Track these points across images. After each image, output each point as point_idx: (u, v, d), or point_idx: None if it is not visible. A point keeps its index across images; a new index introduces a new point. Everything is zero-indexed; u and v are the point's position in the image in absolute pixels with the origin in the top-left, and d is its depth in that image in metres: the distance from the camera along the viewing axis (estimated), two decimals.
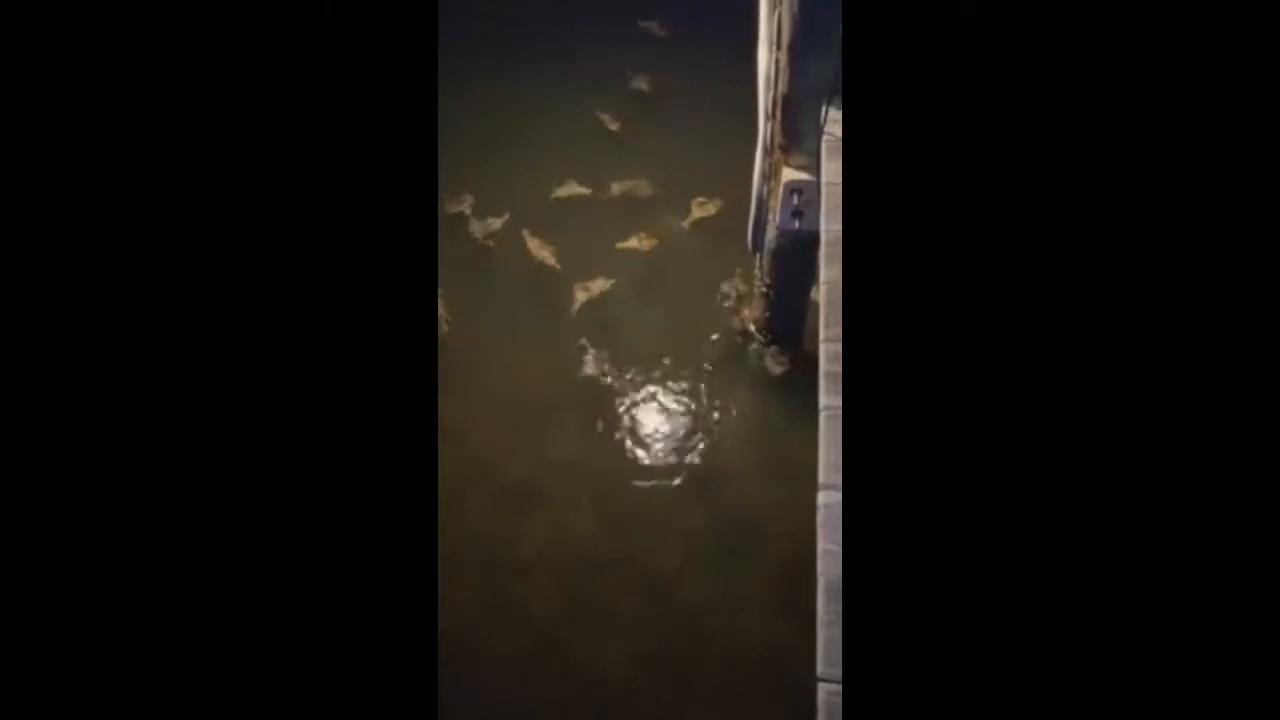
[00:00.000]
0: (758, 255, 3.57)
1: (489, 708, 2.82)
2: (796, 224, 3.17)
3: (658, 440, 3.38)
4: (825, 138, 2.95)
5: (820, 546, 1.97)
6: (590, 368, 3.55)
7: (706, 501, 3.16)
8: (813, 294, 3.23)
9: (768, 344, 3.58)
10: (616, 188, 4.13)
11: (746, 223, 3.59)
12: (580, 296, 3.75)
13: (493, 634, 2.95)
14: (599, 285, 3.79)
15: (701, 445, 3.35)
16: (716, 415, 3.43)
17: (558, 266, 3.86)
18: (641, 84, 4.49)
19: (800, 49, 2.80)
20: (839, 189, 2.89)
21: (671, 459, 3.33)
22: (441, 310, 3.67)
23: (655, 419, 3.44)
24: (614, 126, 4.37)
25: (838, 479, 2.16)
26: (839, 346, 2.54)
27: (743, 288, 3.74)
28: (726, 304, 3.73)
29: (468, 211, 4.05)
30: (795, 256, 3.34)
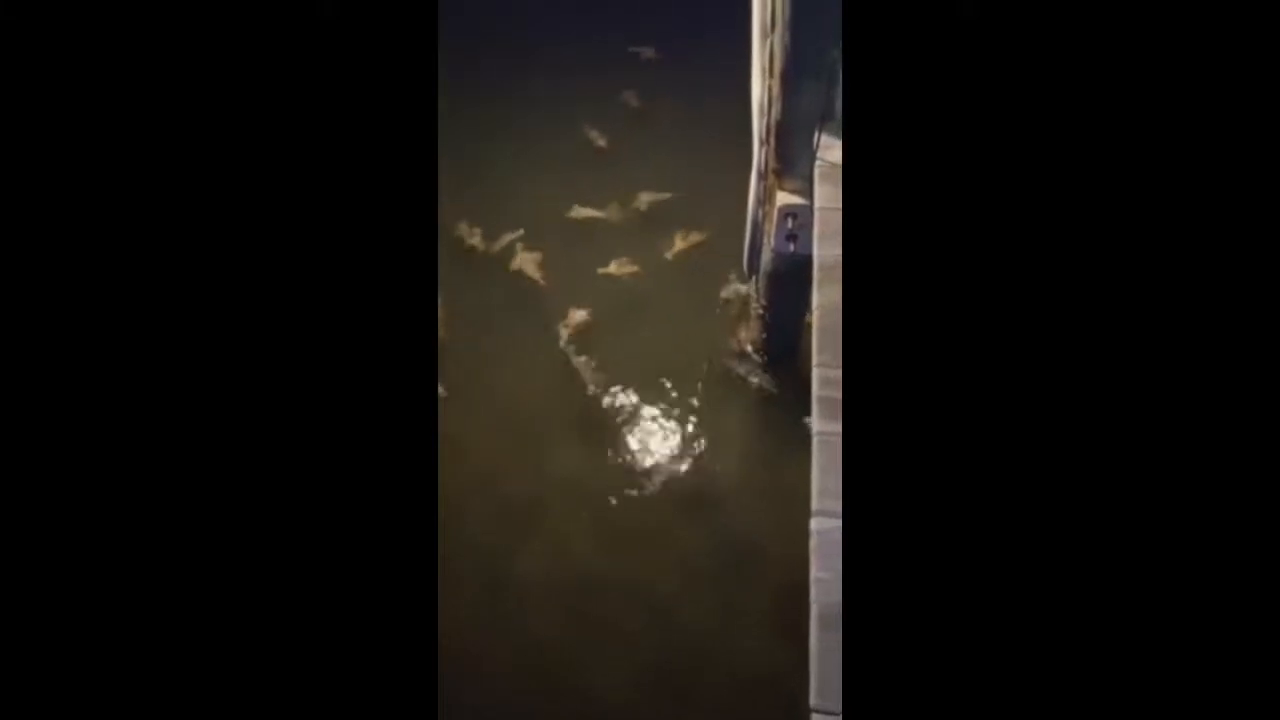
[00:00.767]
0: (754, 277, 3.60)
1: None
2: (791, 247, 3.22)
3: (654, 458, 3.40)
4: (818, 163, 2.99)
5: (813, 574, 1.97)
6: (586, 386, 3.57)
7: (702, 522, 3.17)
8: (806, 317, 3.26)
9: (764, 365, 3.61)
10: (611, 207, 4.16)
11: (742, 242, 3.63)
12: (576, 316, 3.77)
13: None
14: (594, 304, 3.81)
15: (698, 465, 3.36)
16: (712, 435, 3.44)
17: (552, 284, 3.89)
18: (633, 101, 4.54)
19: (792, 78, 2.84)
20: (832, 214, 2.93)
21: (668, 478, 3.35)
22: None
23: (651, 438, 3.46)
24: (602, 143, 4.42)
25: (831, 505, 2.18)
26: (831, 371, 2.57)
27: (739, 308, 3.77)
28: (723, 323, 3.76)
29: (466, 230, 4.09)
30: (790, 278, 3.37)
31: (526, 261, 3.96)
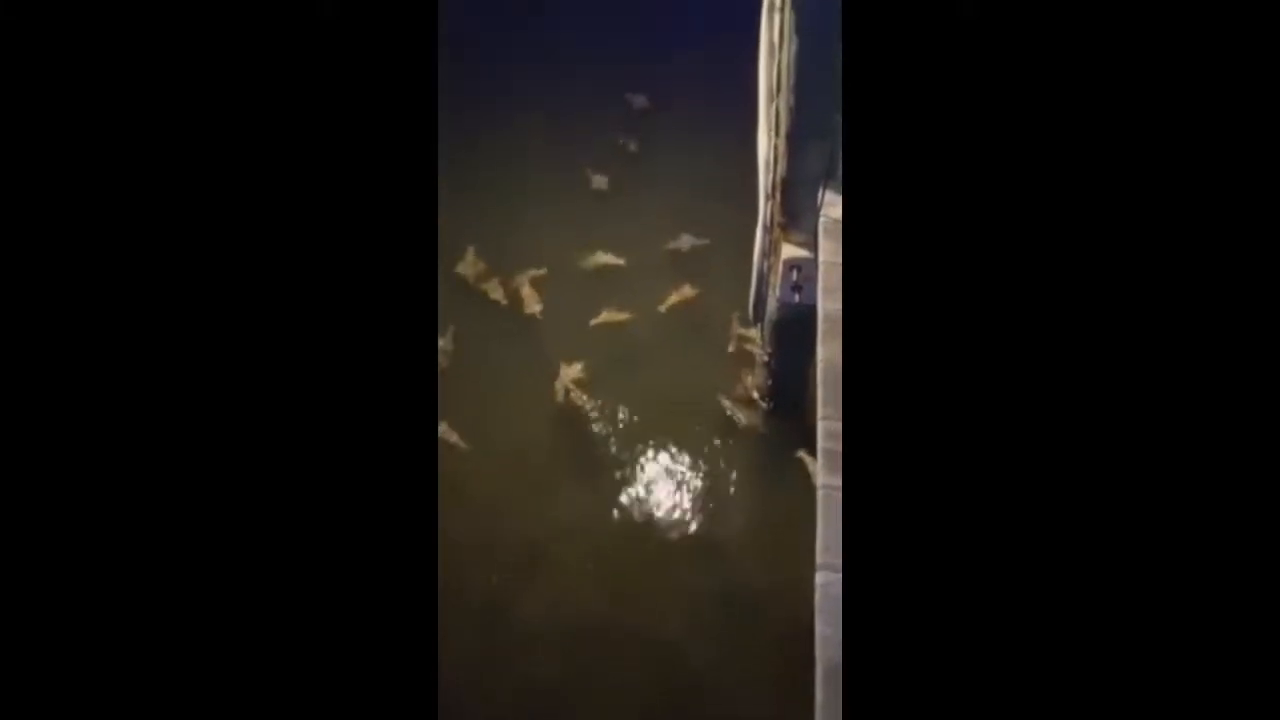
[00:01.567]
0: (759, 325, 3.67)
1: None
2: (796, 297, 3.29)
3: (657, 504, 3.41)
4: (822, 219, 3.08)
5: (818, 630, 2.00)
6: (589, 431, 3.59)
7: (705, 571, 3.17)
8: (810, 367, 3.32)
9: (770, 411, 3.66)
10: (619, 252, 4.20)
11: (747, 289, 3.71)
12: (580, 359, 3.79)
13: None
14: (598, 348, 3.84)
15: (701, 512, 3.37)
16: (716, 482, 3.46)
17: (556, 327, 3.92)
18: (632, 146, 4.62)
19: (798, 137, 2.94)
20: (835, 268, 3.01)
21: (671, 524, 3.35)
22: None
23: (654, 484, 3.48)
24: (604, 187, 4.47)
25: (836, 559, 2.20)
26: (835, 424, 2.62)
27: (744, 355, 3.82)
28: (728, 369, 3.80)
29: (468, 268, 4.12)
30: (796, 327, 3.44)
31: (529, 300, 3.99)
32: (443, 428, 3.50)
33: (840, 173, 3.00)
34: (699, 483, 3.47)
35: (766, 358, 3.64)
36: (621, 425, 3.65)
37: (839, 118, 2.85)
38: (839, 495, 2.37)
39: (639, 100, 4.76)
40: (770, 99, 3.00)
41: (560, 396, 3.68)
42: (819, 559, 2.22)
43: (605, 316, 3.93)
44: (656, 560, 3.21)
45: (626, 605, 3.09)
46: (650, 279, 4.11)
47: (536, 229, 4.31)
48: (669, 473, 3.51)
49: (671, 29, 5.16)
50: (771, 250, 3.31)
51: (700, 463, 3.53)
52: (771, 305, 3.43)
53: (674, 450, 3.57)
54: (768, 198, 3.21)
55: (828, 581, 2.17)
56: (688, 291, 3.97)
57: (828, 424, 2.63)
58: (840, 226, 2.95)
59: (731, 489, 3.46)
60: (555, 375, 3.73)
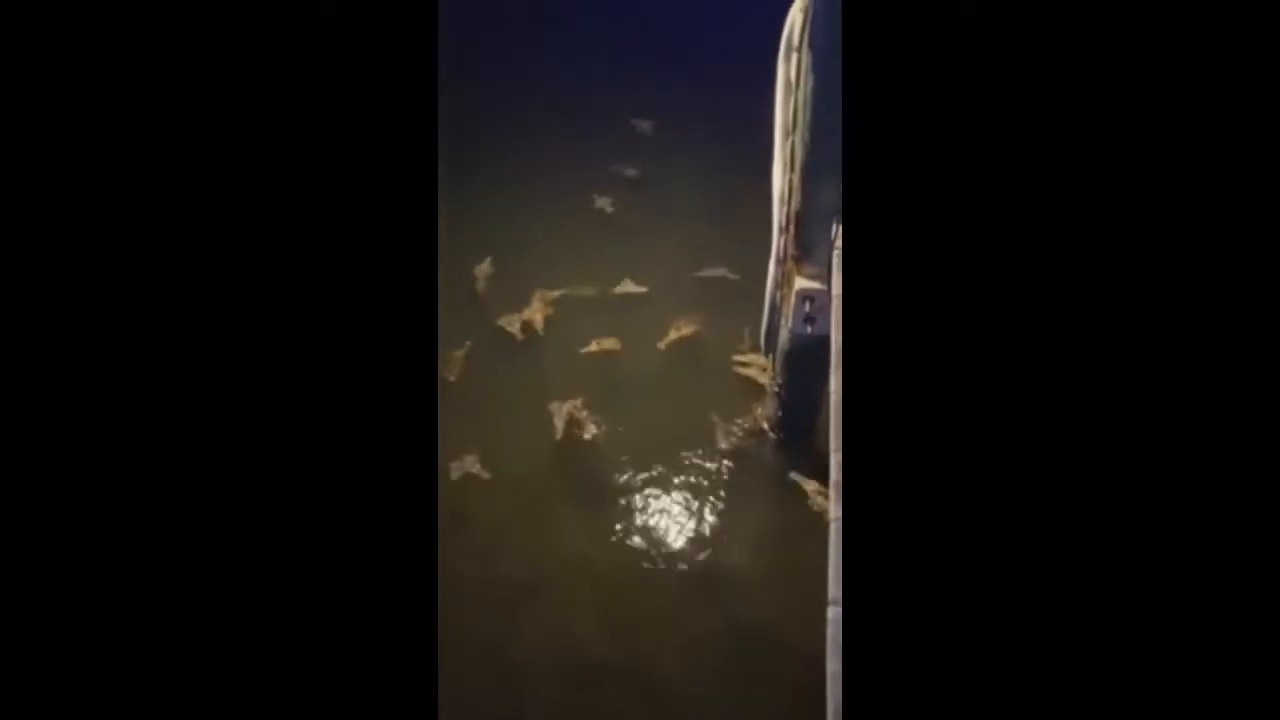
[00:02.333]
0: (770, 356, 3.69)
1: None
2: (809, 328, 3.32)
3: (663, 538, 3.38)
4: (835, 252, 3.11)
5: (829, 668, 1.97)
6: (593, 461, 3.57)
7: (713, 607, 3.12)
8: (822, 397, 3.34)
9: (780, 443, 3.67)
10: (623, 281, 4.25)
11: (759, 318, 3.74)
12: (583, 389, 3.80)
13: None
14: (602, 377, 3.85)
15: (710, 546, 3.34)
16: (725, 515, 3.44)
17: (559, 356, 3.94)
18: (632, 173, 4.68)
19: (812, 173, 2.98)
20: None
21: (677, 558, 3.31)
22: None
23: (660, 516, 3.45)
24: (610, 211, 4.55)
25: None
26: None
27: (754, 386, 3.85)
28: (738, 399, 3.81)
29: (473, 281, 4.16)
30: (808, 358, 3.46)
31: (534, 327, 4.01)
32: (469, 460, 3.49)
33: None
34: (706, 515, 3.46)
35: (778, 389, 3.66)
36: (626, 454, 3.63)
37: None
38: None
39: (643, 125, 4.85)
40: (786, 135, 3.04)
41: (566, 417, 3.68)
42: (831, 593, 2.20)
43: (596, 345, 3.95)
44: (661, 594, 3.18)
45: (629, 640, 3.05)
46: (660, 308, 4.14)
47: (536, 255, 4.35)
48: (673, 504, 3.49)
49: (682, 59, 5.26)
50: (784, 282, 3.34)
51: (707, 495, 3.52)
52: (784, 337, 3.45)
53: (678, 481, 3.56)
54: (781, 231, 3.25)
55: (839, 617, 2.15)
56: (685, 329, 3.99)
57: (839, 457, 2.63)
58: None
59: (739, 522, 3.46)
60: (557, 403, 3.72)
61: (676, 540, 3.37)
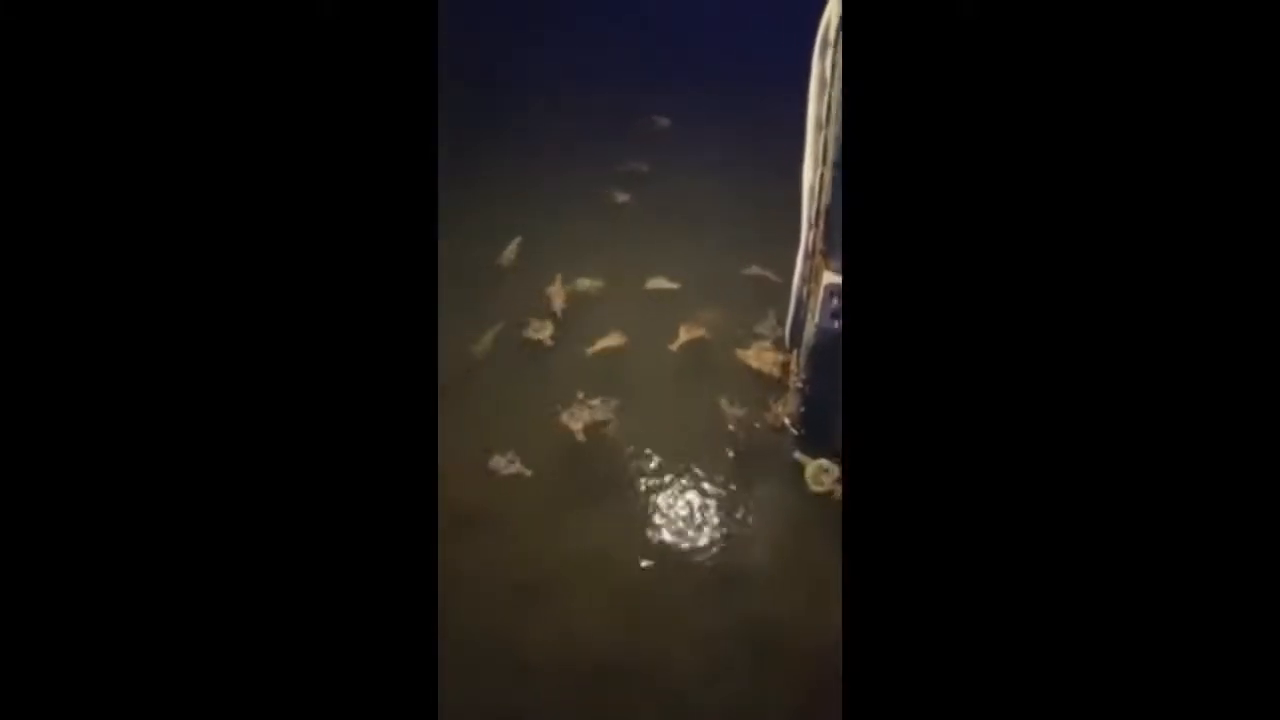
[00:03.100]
0: (795, 351, 3.68)
1: None
2: (836, 323, 3.30)
3: (678, 534, 3.36)
4: None
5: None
6: (607, 457, 3.55)
7: (728, 606, 3.09)
8: None
9: (801, 439, 3.65)
10: (633, 274, 4.25)
11: (784, 313, 3.72)
12: (599, 381, 3.79)
13: None
14: (618, 370, 3.84)
15: (726, 543, 3.32)
16: (743, 511, 3.42)
17: (570, 349, 3.93)
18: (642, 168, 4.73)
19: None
20: None
21: (692, 555, 3.29)
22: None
23: (676, 512, 3.43)
24: (624, 201, 4.59)
25: None
26: None
27: (775, 380, 3.83)
28: (757, 394, 3.79)
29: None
30: (833, 354, 3.44)
31: (542, 330, 4.00)
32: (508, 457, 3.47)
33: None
34: (725, 512, 3.44)
35: (802, 384, 3.64)
36: (641, 448, 3.61)
37: None
38: None
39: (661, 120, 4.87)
40: (819, 129, 3.02)
41: (578, 412, 3.67)
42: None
43: (600, 344, 3.94)
44: (676, 593, 3.16)
45: (641, 643, 3.01)
46: (674, 300, 4.15)
47: (547, 249, 4.35)
48: (690, 501, 3.48)
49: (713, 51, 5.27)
50: (812, 276, 3.32)
51: (725, 492, 3.51)
52: (809, 331, 3.43)
53: (695, 477, 3.54)
54: (810, 225, 3.22)
55: None
56: (697, 330, 3.97)
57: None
58: None
59: (757, 519, 3.44)
60: (569, 400, 3.72)
61: (697, 537, 3.36)
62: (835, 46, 2.86)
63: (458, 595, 2.92)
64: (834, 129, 2.89)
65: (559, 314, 4.04)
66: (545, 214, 4.54)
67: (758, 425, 3.68)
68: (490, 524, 3.28)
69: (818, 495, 3.37)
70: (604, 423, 3.63)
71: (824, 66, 2.99)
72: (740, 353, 3.88)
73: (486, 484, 3.39)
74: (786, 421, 3.71)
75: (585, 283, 4.19)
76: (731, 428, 3.65)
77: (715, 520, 3.38)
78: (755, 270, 4.24)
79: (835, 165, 2.96)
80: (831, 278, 3.25)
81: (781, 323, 3.88)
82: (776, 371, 3.82)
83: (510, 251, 4.32)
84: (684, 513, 3.41)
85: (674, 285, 4.19)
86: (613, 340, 3.93)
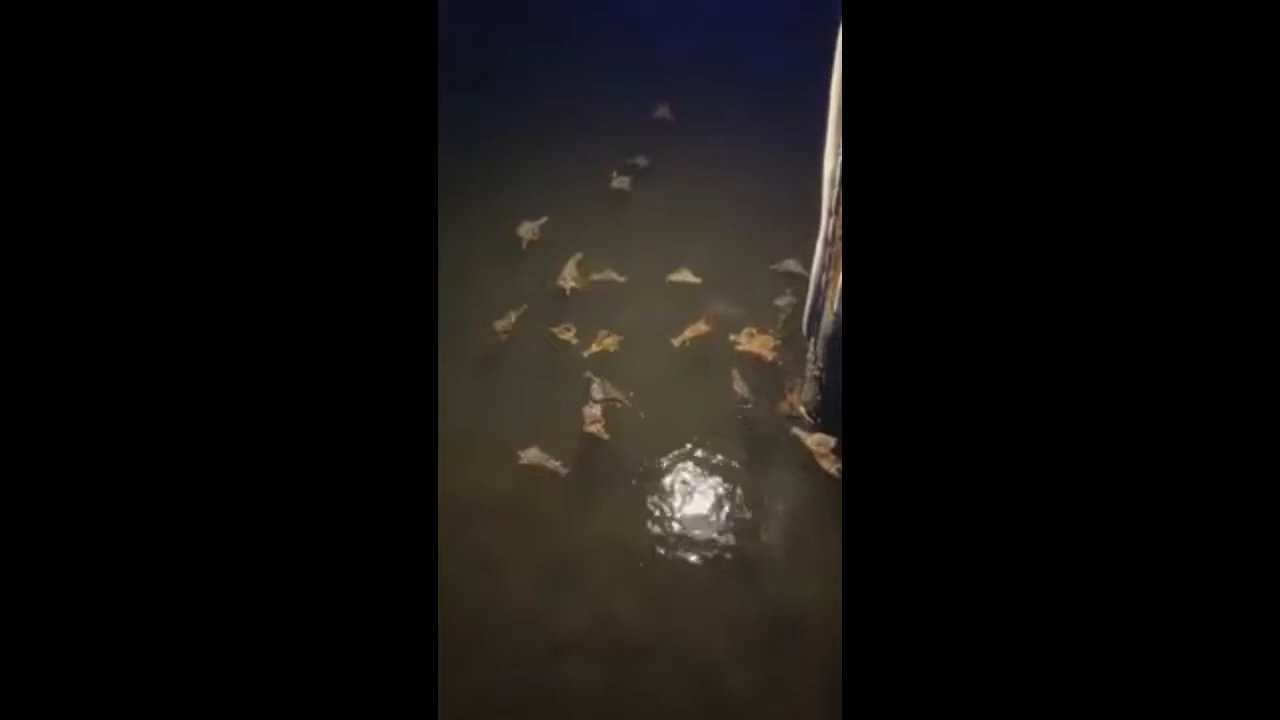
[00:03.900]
0: (812, 340, 3.67)
1: None
2: None
3: (699, 522, 3.37)
4: None
5: None
6: (629, 444, 3.56)
7: (748, 590, 3.13)
8: None
9: (817, 427, 3.65)
10: (656, 263, 4.23)
11: (801, 302, 3.71)
12: (619, 371, 3.79)
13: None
14: (640, 360, 3.83)
15: (744, 529, 3.33)
16: (761, 498, 3.43)
17: (592, 337, 3.92)
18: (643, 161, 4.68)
19: None
20: None
21: (712, 541, 3.31)
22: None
23: (696, 499, 3.44)
24: (627, 188, 4.55)
25: None
26: None
27: (793, 369, 3.82)
28: (775, 383, 3.79)
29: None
30: None
31: (562, 330, 3.99)
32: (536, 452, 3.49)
33: None
34: (741, 497, 3.45)
35: (818, 373, 3.63)
36: (662, 436, 3.62)
37: None
38: None
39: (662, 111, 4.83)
40: (840, 117, 3.00)
41: (602, 399, 3.68)
42: None
43: (658, 321, 3.94)
44: (694, 577, 3.19)
45: (664, 625, 3.05)
46: (695, 289, 4.13)
47: (570, 230, 4.34)
48: (710, 487, 3.49)
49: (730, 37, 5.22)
50: (831, 264, 3.31)
51: (743, 477, 3.51)
52: (827, 320, 3.42)
53: (715, 464, 3.54)
54: (830, 214, 3.21)
55: None
56: (702, 328, 3.94)
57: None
58: None
59: (773, 505, 3.45)
60: (589, 391, 3.72)
61: (714, 523, 3.38)
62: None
63: (491, 580, 3.04)
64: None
65: (568, 293, 4.07)
66: (560, 201, 4.55)
67: (776, 414, 3.69)
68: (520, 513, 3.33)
69: (829, 478, 3.38)
70: (619, 411, 3.66)
71: None
72: (733, 337, 3.89)
73: (516, 473, 3.44)
74: (803, 410, 3.71)
75: (602, 273, 4.20)
76: (740, 417, 3.66)
77: (728, 507, 3.39)
78: (779, 264, 4.24)
79: None
80: None
81: (800, 310, 3.87)
82: (769, 355, 3.83)
83: (530, 231, 4.33)
84: (700, 499, 3.43)
85: (697, 280, 4.18)
86: (608, 343, 3.93)
